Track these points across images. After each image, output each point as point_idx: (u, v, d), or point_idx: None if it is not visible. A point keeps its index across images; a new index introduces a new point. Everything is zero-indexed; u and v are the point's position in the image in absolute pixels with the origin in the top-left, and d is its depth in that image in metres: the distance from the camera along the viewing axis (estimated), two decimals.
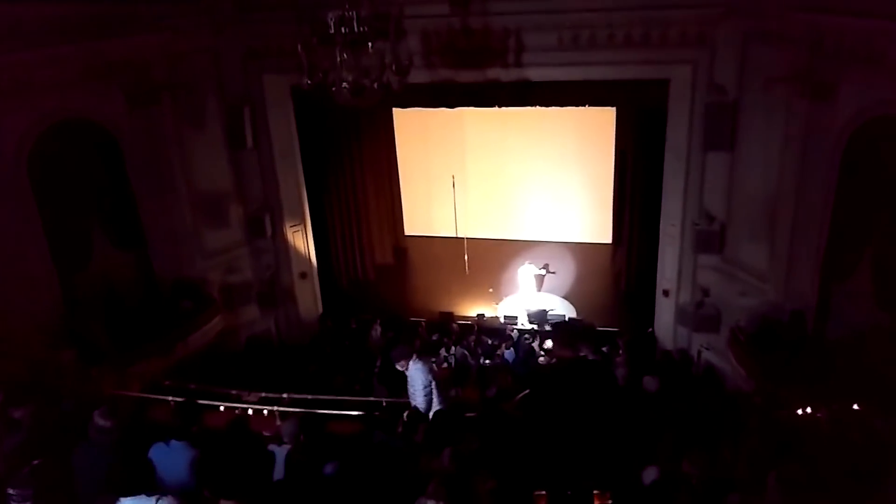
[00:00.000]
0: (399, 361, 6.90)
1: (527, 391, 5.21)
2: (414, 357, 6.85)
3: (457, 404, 7.75)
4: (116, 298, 9.81)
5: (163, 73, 10.00)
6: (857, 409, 5.94)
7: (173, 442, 4.66)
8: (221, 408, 7.40)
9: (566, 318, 12.47)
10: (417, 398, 6.84)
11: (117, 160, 9.74)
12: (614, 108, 13.12)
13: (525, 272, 13.79)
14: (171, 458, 4.57)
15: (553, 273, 13.87)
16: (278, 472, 4.91)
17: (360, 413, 7.47)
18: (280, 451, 5.05)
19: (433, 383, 6.86)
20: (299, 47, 6.50)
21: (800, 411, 6.64)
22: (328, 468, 4.68)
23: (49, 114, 8.75)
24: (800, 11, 7.88)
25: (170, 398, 7.26)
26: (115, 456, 4.30)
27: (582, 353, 5.23)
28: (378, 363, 10.77)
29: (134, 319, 9.76)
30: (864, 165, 7.54)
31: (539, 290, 13.92)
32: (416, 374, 6.80)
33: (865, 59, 7.21)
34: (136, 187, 9.99)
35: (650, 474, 4.80)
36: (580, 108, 12.36)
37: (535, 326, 12.52)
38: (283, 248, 12.46)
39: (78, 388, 7.37)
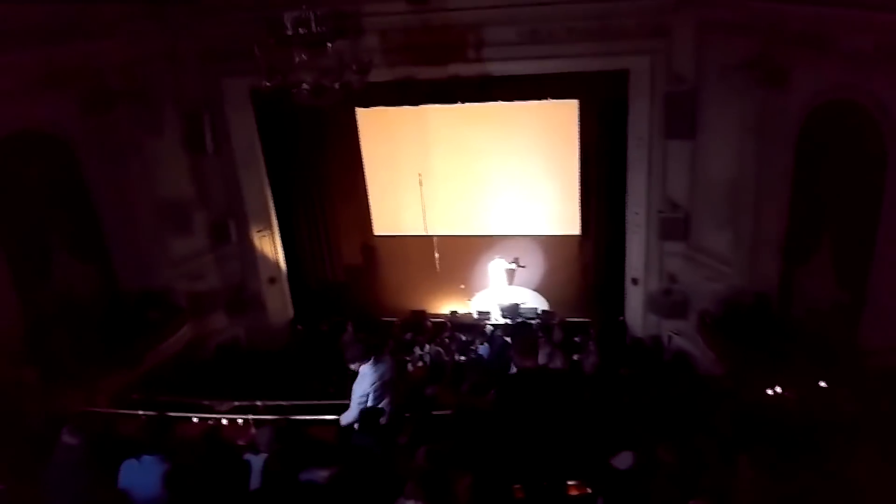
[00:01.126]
0: (354, 363, 6.36)
1: (496, 390, 5.13)
2: (372, 359, 6.33)
3: (425, 403, 7.63)
4: (80, 312, 9.56)
5: (117, 79, 9.76)
6: (822, 387, 6.08)
7: (145, 457, 4.56)
8: (194, 419, 7.27)
9: (522, 320, 12.39)
10: (352, 403, 6.39)
11: (75, 170, 9.48)
12: (577, 101, 13.21)
13: (495, 267, 13.85)
14: (142, 474, 4.48)
15: (523, 267, 13.95)
16: (255, 481, 4.84)
17: (336, 417, 7.39)
18: (256, 460, 4.97)
19: (379, 386, 6.32)
20: (256, 49, 6.42)
21: (769, 392, 6.78)
22: (305, 475, 4.63)
23: (1, 125, 8.47)
24: (752, 0, 8.04)
25: (140, 412, 7.11)
26: (85, 475, 4.20)
27: (543, 362, 5.16)
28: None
29: (99, 333, 9.53)
30: (820, 149, 7.72)
31: (510, 284, 13.99)
32: (364, 378, 6.31)
33: (817, 45, 7.37)
34: (95, 198, 9.74)
35: (626, 460, 4.85)
36: (543, 101, 12.42)
37: (509, 320, 12.58)
38: (250, 254, 12.31)
39: (43, 407, 7.18)
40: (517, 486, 4.88)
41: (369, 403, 6.26)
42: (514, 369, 4.92)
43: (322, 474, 4.61)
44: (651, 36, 9.78)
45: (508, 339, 11.43)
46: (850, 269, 7.41)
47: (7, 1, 8.01)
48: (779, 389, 6.72)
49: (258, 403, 7.61)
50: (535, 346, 4.78)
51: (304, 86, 6.57)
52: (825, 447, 4.32)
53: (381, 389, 6.30)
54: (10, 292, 8.73)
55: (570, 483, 5.03)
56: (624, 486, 4.65)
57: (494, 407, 4.91)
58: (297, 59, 6.51)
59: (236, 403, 7.58)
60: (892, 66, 6.41)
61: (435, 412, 7.02)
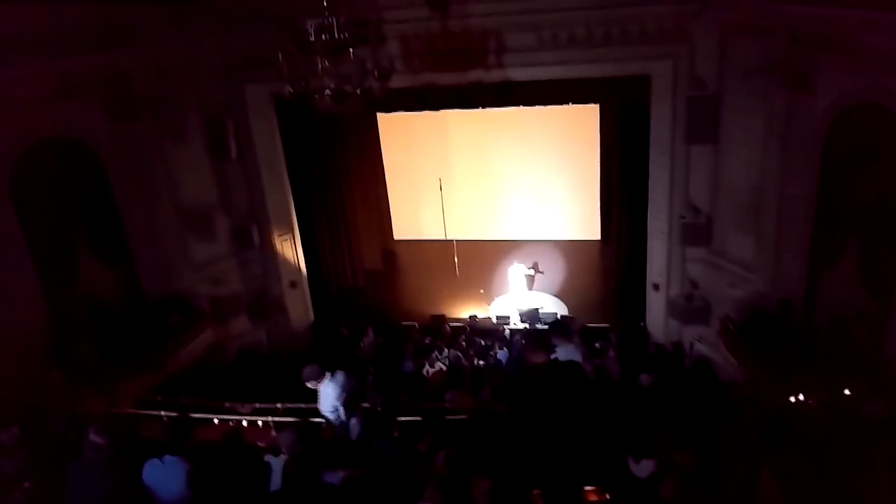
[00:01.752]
0: (309, 381, 6.68)
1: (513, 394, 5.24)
2: (327, 376, 6.65)
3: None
4: (104, 315, 9.73)
5: (143, 87, 9.95)
6: (847, 395, 5.98)
7: (167, 457, 4.63)
8: (215, 421, 7.34)
9: (538, 325, 12.40)
10: (327, 416, 6.71)
11: (101, 176, 9.67)
12: (597, 105, 13.16)
13: (515, 272, 13.83)
14: (165, 474, 4.54)
15: (541, 273, 13.92)
16: (275, 483, 4.88)
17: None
18: (276, 462, 5.02)
19: (346, 399, 6.66)
20: (280, 56, 6.49)
21: (792, 399, 6.68)
22: (327, 477, 4.66)
23: (30, 132, 8.67)
24: (774, 2, 7.95)
25: (162, 413, 7.20)
26: (110, 474, 4.27)
27: (555, 355, 5.22)
28: (371, 370, 10.75)
29: (123, 336, 9.69)
30: (846, 153, 7.60)
31: (530, 290, 13.96)
32: (327, 393, 6.63)
33: (841, 48, 7.27)
34: (120, 203, 9.94)
35: (647, 467, 4.81)
36: (563, 106, 12.40)
37: (528, 325, 12.54)
38: (272, 258, 12.41)
39: (68, 408, 7.31)
40: (536, 491, 4.86)
41: (342, 417, 6.60)
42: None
43: (343, 476, 4.65)
44: (673, 40, 9.71)
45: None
46: (876, 276, 7.28)
47: (35, 9, 8.19)
48: (801, 397, 6.63)
49: (278, 406, 7.66)
50: (545, 339, 4.86)
51: (327, 92, 6.62)
52: (848, 454, 4.25)
53: (348, 401, 6.70)
54: (38, 295, 8.92)
55: (587, 489, 5.00)
56: (644, 494, 4.61)
57: (510, 405, 4.94)
58: (319, 66, 6.56)
59: (258, 405, 7.64)
60: None
61: (452, 416, 7.03)
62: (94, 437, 4.43)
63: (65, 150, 9.18)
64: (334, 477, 4.64)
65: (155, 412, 7.59)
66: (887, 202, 6.98)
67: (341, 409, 6.66)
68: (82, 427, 6.03)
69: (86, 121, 9.35)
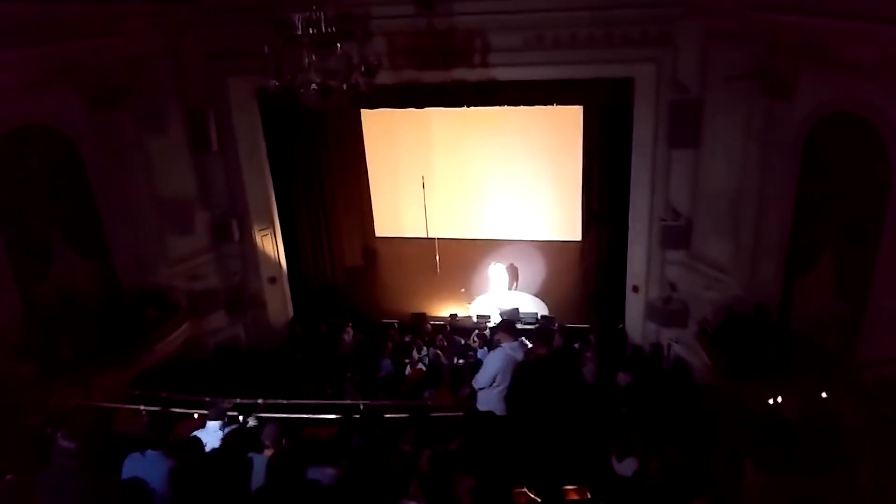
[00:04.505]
0: (213, 420, 6.30)
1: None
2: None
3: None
4: (79, 308, 9.54)
5: (122, 76, 9.76)
6: (823, 398, 6.09)
7: (149, 452, 4.55)
8: (195, 416, 7.25)
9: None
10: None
11: (77, 166, 9.49)
12: (580, 107, 13.25)
13: (496, 271, 13.88)
14: (147, 468, 4.47)
15: (515, 280, 13.99)
16: (257, 479, 4.84)
17: (337, 417, 7.39)
18: (259, 459, 4.97)
19: None
20: (266, 49, 6.43)
21: (769, 401, 6.78)
22: (311, 473, 4.63)
23: (5, 120, 8.47)
24: (757, 10, 8.07)
25: (141, 408, 7.10)
26: (84, 480, 4.16)
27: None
28: (350, 367, 10.71)
29: (98, 329, 9.51)
30: (824, 160, 7.74)
31: (511, 289, 14.02)
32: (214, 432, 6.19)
33: (821, 57, 7.41)
34: (97, 194, 9.74)
35: (629, 466, 4.86)
36: (546, 107, 12.46)
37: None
38: (251, 253, 12.29)
39: (41, 402, 7.17)
40: (518, 489, 4.89)
41: None
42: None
43: (329, 472, 4.62)
44: (656, 45, 9.80)
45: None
46: (851, 281, 7.43)
47: None
48: (779, 400, 6.73)
49: (259, 401, 7.59)
50: (551, 336, 5.02)
51: (313, 86, 6.57)
52: (828, 454, 4.33)
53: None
54: (10, 286, 8.72)
55: (568, 488, 5.04)
56: (627, 492, 4.67)
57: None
58: (306, 60, 6.51)
59: (238, 401, 7.56)
60: (894, 79, 6.44)
61: (433, 414, 7.04)
62: (63, 443, 4.25)
63: (41, 139, 8.97)
64: (320, 473, 4.61)
65: (133, 406, 7.49)
66: (862, 209, 7.13)
67: None
68: (55, 421, 5.93)
69: (63, 110, 9.14)
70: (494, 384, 6.17)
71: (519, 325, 12.23)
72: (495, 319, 12.84)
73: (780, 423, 5.23)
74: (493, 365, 6.22)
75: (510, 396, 5.68)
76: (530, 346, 6.14)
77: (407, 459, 4.95)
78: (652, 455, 4.62)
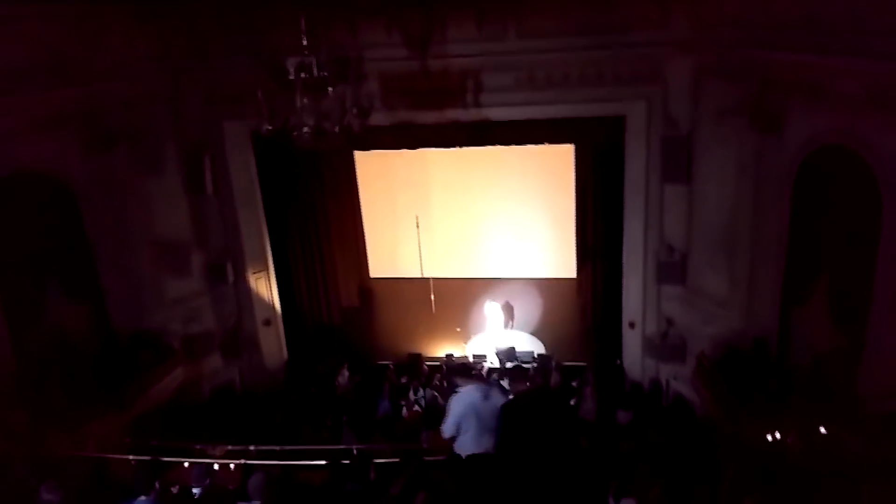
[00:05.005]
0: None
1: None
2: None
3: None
4: (72, 353, 9.42)
5: (119, 120, 9.85)
6: (824, 433, 6.00)
7: (140, 500, 4.44)
8: (186, 464, 7.11)
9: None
10: None
11: (72, 209, 9.48)
12: (572, 145, 13.37)
13: (491, 310, 13.81)
14: None
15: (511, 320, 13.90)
16: None
17: (330, 462, 7.24)
18: None
19: None
20: (259, 94, 6.50)
21: (769, 437, 6.68)
22: None
23: (1, 164, 8.49)
24: (746, 48, 8.22)
25: (130, 457, 6.96)
26: None
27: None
28: (347, 409, 10.56)
29: (91, 374, 9.38)
30: (815, 193, 7.79)
31: (506, 328, 13.93)
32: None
33: (809, 92, 7.52)
34: (91, 236, 9.72)
35: None
36: (539, 145, 12.57)
37: (505, 364, 12.45)
38: (246, 296, 12.23)
39: (31, 451, 7.02)
40: None
41: None
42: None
43: None
44: (647, 82, 9.95)
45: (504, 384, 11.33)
46: (848, 313, 7.39)
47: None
48: (778, 435, 6.63)
49: (251, 448, 7.45)
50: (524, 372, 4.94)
51: (306, 129, 6.63)
52: (828, 489, 4.24)
53: None
54: (2, 331, 8.62)
55: None
56: None
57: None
58: (298, 103, 6.58)
59: (230, 447, 7.42)
60: (882, 112, 6.52)
61: (430, 458, 6.89)
62: (46, 496, 4.13)
63: (35, 183, 8.98)
64: None
65: (123, 455, 7.34)
66: (855, 240, 7.14)
67: None
68: (45, 472, 5.78)
69: (59, 154, 9.17)
70: (462, 430, 5.94)
71: (513, 364, 12.22)
72: (492, 359, 12.73)
73: (780, 458, 5.13)
74: (454, 412, 6.00)
75: (501, 438, 5.32)
76: (506, 387, 5.99)
77: (398, 502, 4.83)
78: (649, 495, 4.51)
